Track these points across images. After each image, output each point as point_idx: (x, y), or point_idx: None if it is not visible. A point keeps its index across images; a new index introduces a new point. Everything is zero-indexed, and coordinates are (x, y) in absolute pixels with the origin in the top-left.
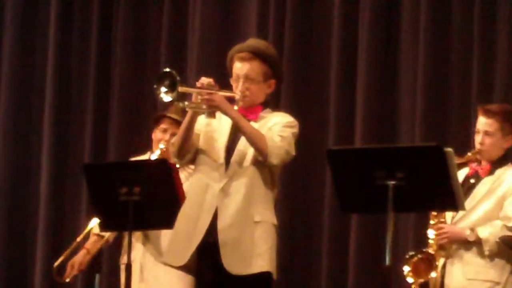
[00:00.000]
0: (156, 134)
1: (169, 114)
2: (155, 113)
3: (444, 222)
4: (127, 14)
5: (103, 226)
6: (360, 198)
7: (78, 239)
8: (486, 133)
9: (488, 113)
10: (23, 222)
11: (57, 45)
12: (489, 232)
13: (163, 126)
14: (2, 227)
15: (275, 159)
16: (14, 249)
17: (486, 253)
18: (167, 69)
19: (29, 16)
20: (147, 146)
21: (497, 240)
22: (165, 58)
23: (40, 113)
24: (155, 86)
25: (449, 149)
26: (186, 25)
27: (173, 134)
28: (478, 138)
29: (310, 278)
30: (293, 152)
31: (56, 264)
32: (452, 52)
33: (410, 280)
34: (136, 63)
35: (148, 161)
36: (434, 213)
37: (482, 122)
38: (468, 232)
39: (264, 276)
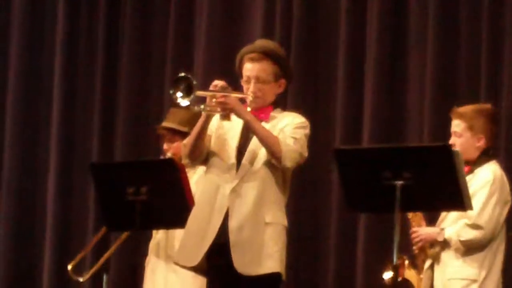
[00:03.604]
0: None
1: (162, 125)
2: (161, 111)
3: (421, 224)
4: (133, 12)
5: (110, 226)
6: (368, 198)
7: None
8: (455, 134)
9: (455, 114)
10: (31, 219)
11: (65, 43)
12: (452, 232)
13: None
14: (11, 223)
15: (289, 162)
16: (22, 245)
17: (453, 252)
18: (183, 74)
19: (36, 14)
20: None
21: (460, 239)
22: (171, 57)
23: (48, 111)
24: (171, 92)
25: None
26: (193, 23)
27: (168, 141)
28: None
29: (318, 278)
30: (306, 154)
31: (71, 264)
32: (460, 52)
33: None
34: (142, 61)
35: (155, 161)
36: (409, 215)
37: (452, 124)
38: (438, 232)
39: (273, 277)
